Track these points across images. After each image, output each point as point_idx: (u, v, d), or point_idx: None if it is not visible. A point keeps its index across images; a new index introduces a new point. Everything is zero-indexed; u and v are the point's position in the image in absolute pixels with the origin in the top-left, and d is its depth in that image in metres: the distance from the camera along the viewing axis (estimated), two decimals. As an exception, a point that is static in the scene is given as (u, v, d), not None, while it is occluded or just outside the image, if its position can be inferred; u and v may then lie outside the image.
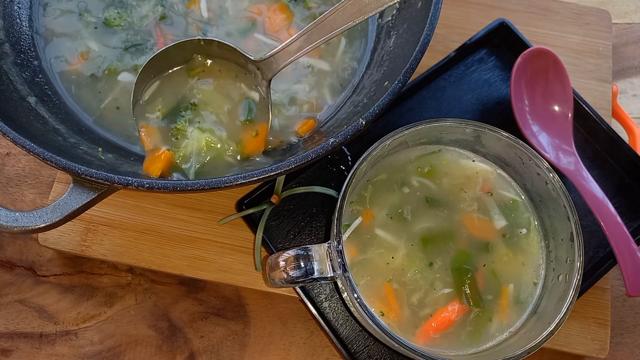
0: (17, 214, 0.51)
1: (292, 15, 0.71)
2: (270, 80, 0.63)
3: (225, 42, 0.63)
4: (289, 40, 0.59)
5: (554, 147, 0.70)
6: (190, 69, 0.66)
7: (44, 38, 0.67)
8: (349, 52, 0.70)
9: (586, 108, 0.73)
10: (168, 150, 0.62)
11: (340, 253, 0.54)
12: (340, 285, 0.60)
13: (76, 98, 0.66)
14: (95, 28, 0.68)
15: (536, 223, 0.62)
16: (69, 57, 0.67)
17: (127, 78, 0.67)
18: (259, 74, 0.63)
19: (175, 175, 0.61)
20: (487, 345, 0.58)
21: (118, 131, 0.65)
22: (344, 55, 0.70)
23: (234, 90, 0.65)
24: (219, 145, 0.63)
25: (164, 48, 0.62)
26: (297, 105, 0.67)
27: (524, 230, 0.62)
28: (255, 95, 0.64)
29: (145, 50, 0.68)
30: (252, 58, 0.62)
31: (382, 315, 0.58)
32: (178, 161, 0.62)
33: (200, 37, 0.64)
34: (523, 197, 0.63)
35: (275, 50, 0.60)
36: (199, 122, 0.63)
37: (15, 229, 0.51)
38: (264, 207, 0.68)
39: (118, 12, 0.68)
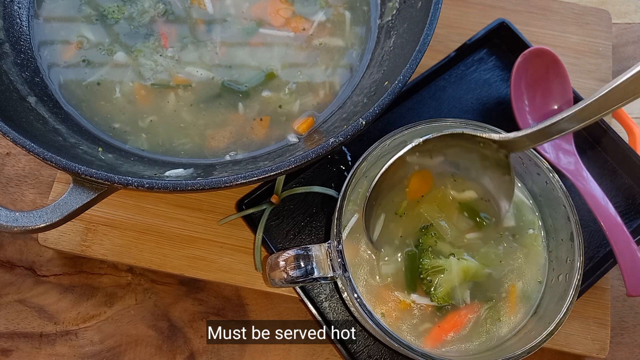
0: (17, 214, 0.51)
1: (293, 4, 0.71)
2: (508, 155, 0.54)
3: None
4: (551, 120, 0.48)
5: (554, 147, 0.70)
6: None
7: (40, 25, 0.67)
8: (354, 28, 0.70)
9: (586, 108, 0.73)
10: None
11: (340, 253, 0.54)
12: (340, 285, 0.60)
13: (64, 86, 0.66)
14: (97, 20, 0.68)
15: (540, 223, 0.62)
16: (62, 45, 0.67)
17: (120, 58, 0.67)
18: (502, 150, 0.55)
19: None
20: (488, 345, 0.58)
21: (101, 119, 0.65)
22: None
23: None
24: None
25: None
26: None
27: (531, 231, 0.61)
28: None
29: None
30: (497, 138, 0.54)
31: (383, 315, 0.58)
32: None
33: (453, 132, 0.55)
34: (526, 194, 0.63)
35: (527, 130, 0.51)
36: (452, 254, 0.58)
37: (15, 229, 0.51)
38: (264, 207, 0.68)
39: (117, 5, 0.68)
